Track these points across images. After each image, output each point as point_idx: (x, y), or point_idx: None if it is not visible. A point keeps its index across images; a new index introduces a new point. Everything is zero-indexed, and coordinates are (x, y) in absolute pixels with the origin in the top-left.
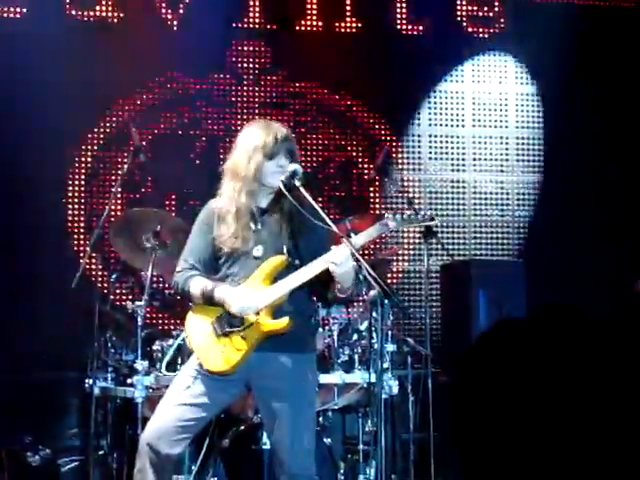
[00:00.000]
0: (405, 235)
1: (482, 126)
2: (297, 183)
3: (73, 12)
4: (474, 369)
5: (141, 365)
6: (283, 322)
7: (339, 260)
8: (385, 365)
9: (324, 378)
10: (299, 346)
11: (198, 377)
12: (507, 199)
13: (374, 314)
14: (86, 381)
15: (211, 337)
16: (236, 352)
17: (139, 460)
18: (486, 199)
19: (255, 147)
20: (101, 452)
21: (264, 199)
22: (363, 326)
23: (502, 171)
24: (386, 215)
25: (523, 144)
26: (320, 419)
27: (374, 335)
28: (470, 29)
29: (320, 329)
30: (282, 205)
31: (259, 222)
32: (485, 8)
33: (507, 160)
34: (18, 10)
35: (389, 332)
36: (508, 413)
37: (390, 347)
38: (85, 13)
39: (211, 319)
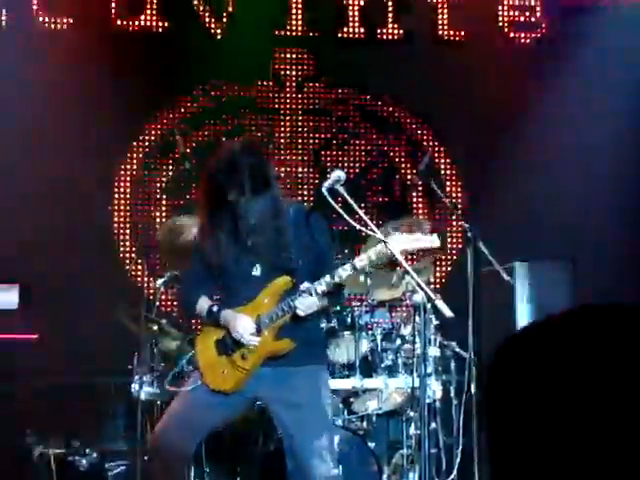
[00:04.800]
0: (449, 240)
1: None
2: (340, 189)
3: (118, 22)
4: (508, 365)
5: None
6: (284, 343)
7: (302, 313)
8: (428, 370)
9: (368, 382)
10: (306, 359)
11: (207, 391)
12: (553, 199)
13: (417, 319)
14: (132, 386)
15: (214, 355)
16: (237, 372)
17: (149, 462)
18: (530, 201)
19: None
20: (147, 456)
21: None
22: (407, 331)
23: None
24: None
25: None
26: (364, 423)
27: (417, 340)
28: (512, 34)
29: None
30: (276, 215)
31: (253, 239)
32: (527, 13)
33: (552, 160)
34: (65, 21)
35: (432, 337)
36: (543, 412)
37: (433, 351)
38: (130, 23)
39: (216, 337)
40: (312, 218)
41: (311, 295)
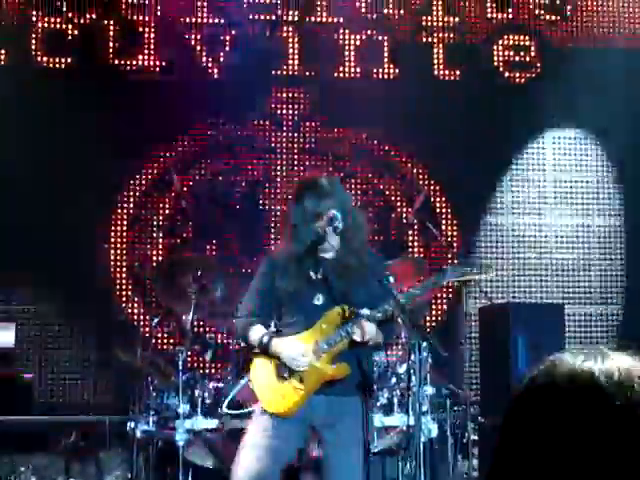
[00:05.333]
0: None
1: (520, 170)
2: (338, 228)
3: (116, 62)
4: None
5: (182, 409)
6: (342, 368)
7: (359, 339)
8: (424, 408)
9: None
10: (359, 390)
11: (271, 421)
12: (546, 242)
13: (412, 357)
14: (128, 424)
15: (272, 379)
16: (294, 394)
17: None
18: (524, 242)
19: (300, 210)
20: None
21: (323, 248)
22: (402, 369)
23: (540, 214)
24: (444, 267)
25: (561, 186)
26: None
27: (413, 378)
28: (507, 74)
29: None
30: (336, 252)
31: (319, 271)
32: (521, 53)
33: (545, 203)
34: (63, 60)
35: (428, 375)
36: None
37: (429, 390)
38: (128, 62)
39: (274, 362)
40: (373, 264)
41: (368, 321)
